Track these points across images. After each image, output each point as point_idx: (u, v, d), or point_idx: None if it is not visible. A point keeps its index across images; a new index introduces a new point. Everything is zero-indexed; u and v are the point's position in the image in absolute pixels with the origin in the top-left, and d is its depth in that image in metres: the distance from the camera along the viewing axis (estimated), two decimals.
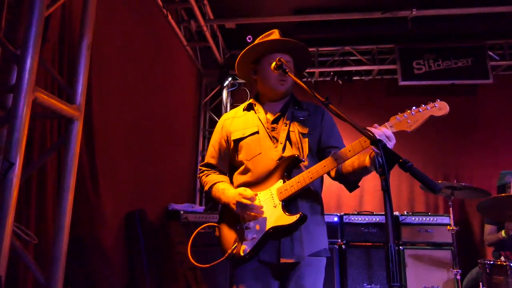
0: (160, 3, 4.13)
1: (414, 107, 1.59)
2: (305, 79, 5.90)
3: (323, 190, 1.89)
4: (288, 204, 1.69)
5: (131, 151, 3.45)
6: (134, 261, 3.21)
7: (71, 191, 1.94)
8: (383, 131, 1.52)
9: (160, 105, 4.17)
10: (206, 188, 1.90)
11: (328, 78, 5.84)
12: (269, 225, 1.67)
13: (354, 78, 5.78)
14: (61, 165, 2.25)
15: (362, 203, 5.39)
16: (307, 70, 5.72)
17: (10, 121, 1.55)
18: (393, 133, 1.57)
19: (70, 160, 1.95)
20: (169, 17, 4.30)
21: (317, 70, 5.75)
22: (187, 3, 4.31)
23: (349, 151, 1.58)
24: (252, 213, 1.68)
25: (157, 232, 3.59)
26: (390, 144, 1.52)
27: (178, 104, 4.87)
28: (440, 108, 1.57)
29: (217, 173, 1.96)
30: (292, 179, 1.67)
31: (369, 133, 1.38)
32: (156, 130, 4.03)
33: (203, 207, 4.80)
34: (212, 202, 5.35)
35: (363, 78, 5.87)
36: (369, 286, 3.84)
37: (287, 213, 1.65)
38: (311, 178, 1.64)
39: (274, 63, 1.77)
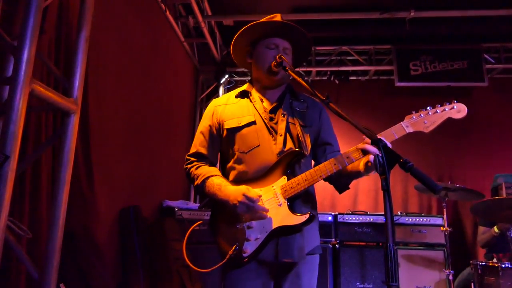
0: None
1: (429, 107, 1.54)
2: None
3: (318, 189, 1.85)
4: (292, 203, 1.62)
5: (126, 147, 3.42)
6: (128, 257, 3.19)
7: (66, 186, 1.91)
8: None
9: (156, 101, 4.14)
10: (198, 181, 1.71)
11: (325, 78, 5.85)
12: (275, 224, 1.57)
13: (351, 78, 5.79)
14: (56, 159, 2.23)
15: (356, 203, 5.41)
16: (304, 69, 5.73)
17: (6, 114, 1.52)
18: (410, 133, 1.52)
19: (66, 154, 1.93)
20: (167, 12, 4.27)
21: (314, 69, 5.75)
22: None
23: (356, 151, 1.53)
24: (255, 215, 1.58)
25: (151, 229, 3.57)
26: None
27: (174, 100, 4.84)
28: (459, 110, 1.53)
29: (208, 165, 1.79)
30: (299, 177, 1.59)
31: (370, 132, 1.37)
32: (151, 126, 4.00)
33: (197, 204, 4.78)
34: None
35: (359, 78, 5.88)
36: (362, 286, 3.85)
37: (295, 213, 1.58)
38: (320, 176, 1.56)
39: (274, 61, 1.68)
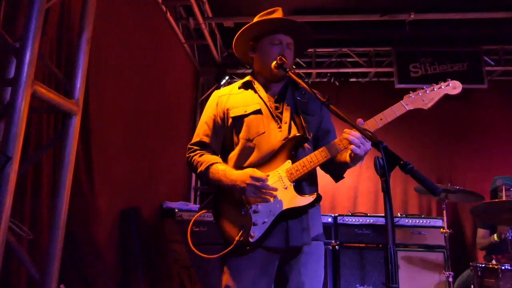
0: None
1: (426, 86, 1.60)
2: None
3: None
4: (297, 185, 1.63)
5: (127, 148, 3.42)
6: (128, 259, 3.19)
7: (67, 188, 1.92)
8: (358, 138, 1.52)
9: (157, 102, 4.15)
10: (202, 168, 1.70)
11: (325, 79, 5.86)
12: (282, 207, 1.58)
13: (351, 79, 5.80)
14: (57, 161, 2.24)
15: (356, 205, 5.41)
16: (304, 71, 5.74)
17: (8, 115, 1.53)
18: (409, 110, 1.59)
19: (67, 155, 1.93)
20: (168, 14, 4.28)
21: (314, 71, 5.77)
22: (186, 0, 4.29)
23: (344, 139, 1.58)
24: (265, 196, 1.56)
25: (152, 230, 3.57)
26: (367, 146, 1.52)
27: (174, 102, 4.85)
28: (454, 87, 1.60)
29: (210, 153, 1.79)
30: (303, 159, 1.61)
31: (369, 134, 1.39)
32: (152, 127, 4.01)
33: (197, 206, 4.78)
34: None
35: (359, 80, 5.89)
36: (362, 287, 3.86)
37: (301, 194, 1.60)
38: (325, 157, 1.58)
39: (275, 62, 1.72)
